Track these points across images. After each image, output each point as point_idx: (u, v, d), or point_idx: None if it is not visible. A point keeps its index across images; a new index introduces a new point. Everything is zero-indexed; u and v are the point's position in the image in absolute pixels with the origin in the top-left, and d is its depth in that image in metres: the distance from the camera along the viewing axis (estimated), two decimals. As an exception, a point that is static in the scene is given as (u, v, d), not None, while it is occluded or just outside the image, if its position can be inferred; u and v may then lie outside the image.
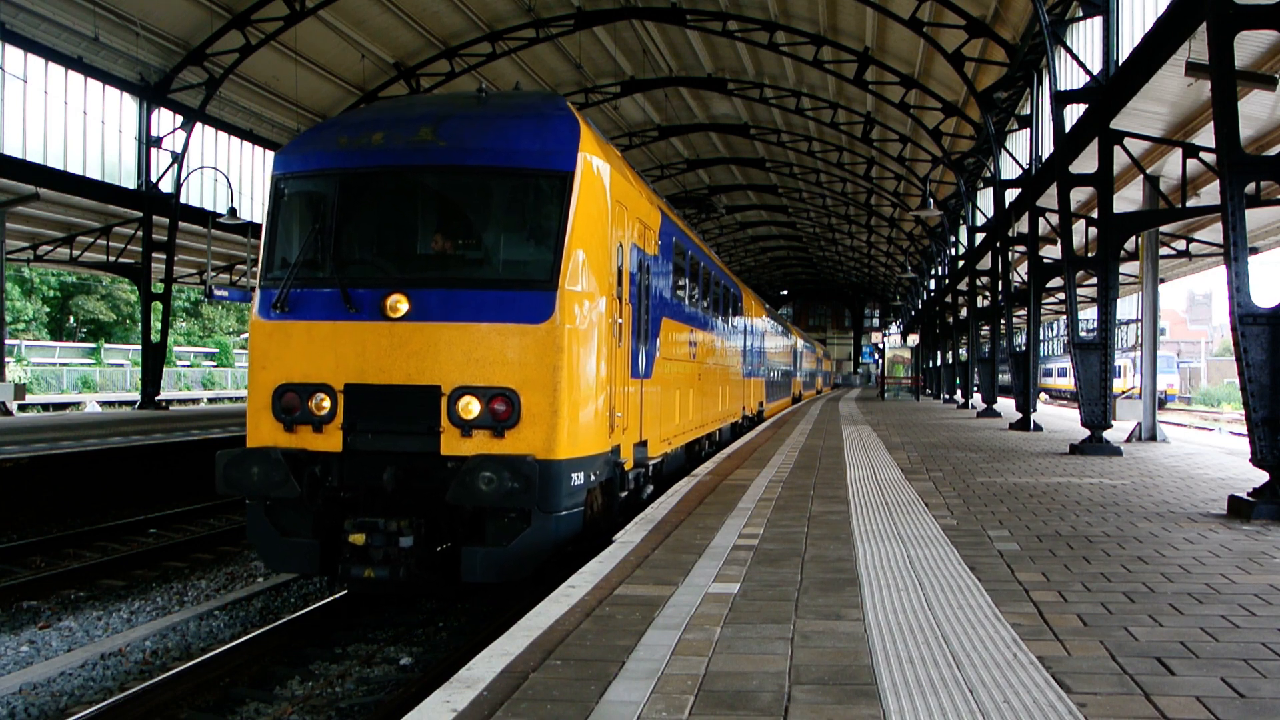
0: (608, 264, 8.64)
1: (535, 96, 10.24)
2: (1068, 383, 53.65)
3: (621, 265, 9.23)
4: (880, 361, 55.28)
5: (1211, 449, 17.70)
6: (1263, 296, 8.73)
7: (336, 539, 7.93)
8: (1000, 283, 26.51)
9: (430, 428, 7.75)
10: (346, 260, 8.40)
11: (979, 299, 32.66)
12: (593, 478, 8.22)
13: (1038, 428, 21.45)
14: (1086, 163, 16.05)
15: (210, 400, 53.39)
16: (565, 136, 8.35)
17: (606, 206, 8.66)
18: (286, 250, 8.52)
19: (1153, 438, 18.50)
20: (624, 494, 9.64)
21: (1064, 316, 25.10)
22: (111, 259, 31.13)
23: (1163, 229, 20.66)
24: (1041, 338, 36.62)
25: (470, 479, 7.35)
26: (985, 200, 32.51)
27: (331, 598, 9.61)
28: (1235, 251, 8.97)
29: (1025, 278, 26.22)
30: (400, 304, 7.89)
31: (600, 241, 8.50)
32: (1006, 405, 32.12)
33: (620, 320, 9.10)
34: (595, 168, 8.51)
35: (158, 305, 29.88)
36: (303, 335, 8.15)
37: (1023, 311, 30.47)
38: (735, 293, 20.94)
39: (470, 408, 7.71)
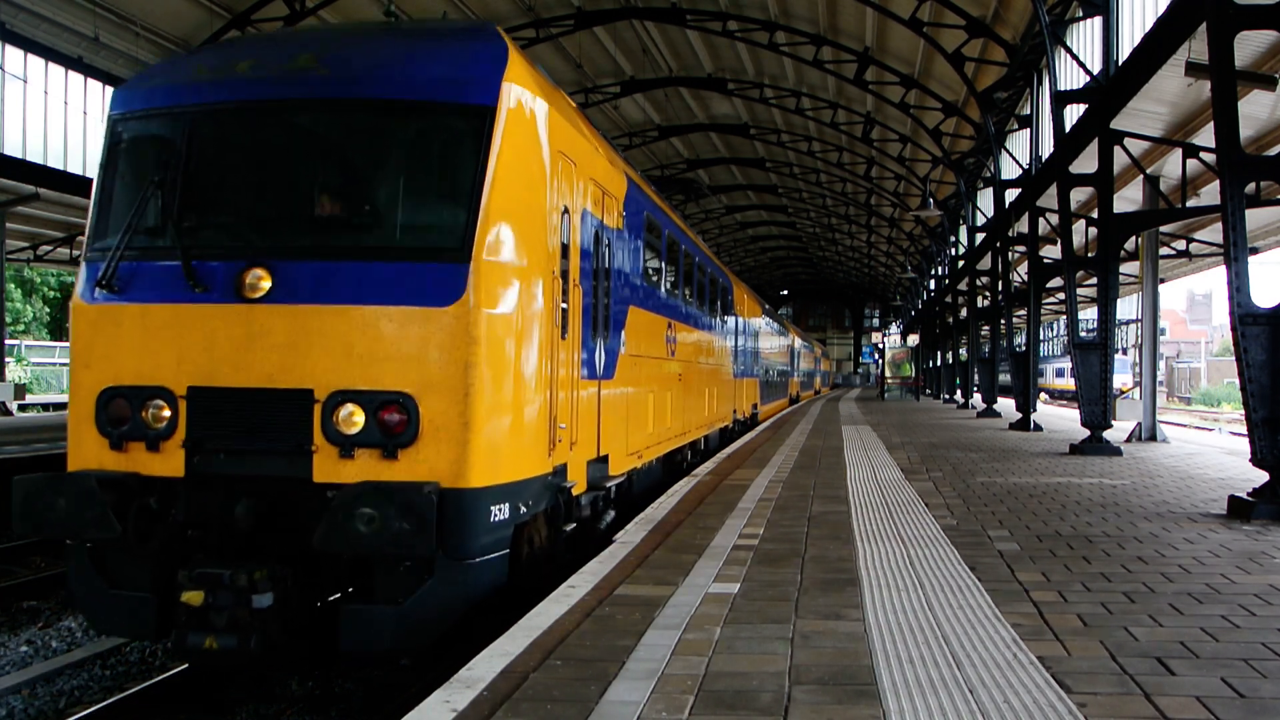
0: (545, 232, 6.81)
1: (459, 23, 8.45)
2: (1064, 383, 53.71)
3: (569, 237, 7.38)
4: (880, 361, 55.29)
5: (1211, 449, 17.71)
6: (1263, 296, 8.73)
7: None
8: (1000, 283, 26.52)
9: (299, 446, 5.93)
10: (193, 224, 6.47)
11: (979, 299, 32.67)
12: (523, 509, 6.36)
13: (1038, 428, 21.45)
14: (1086, 163, 16.05)
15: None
16: (485, 62, 6.47)
17: (544, 157, 6.87)
18: (120, 212, 6.56)
19: (1153, 438, 18.50)
20: (571, 526, 7.66)
21: (1064, 316, 25.11)
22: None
23: (1163, 229, 20.66)
24: (1041, 338, 36.64)
25: (343, 518, 5.52)
26: (985, 200, 32.52)
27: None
28: (1235, 251, 8.97)
29: (1025, 278, 26.24)
30: (261, 281, 6.08)
31: (534, 202, 6.68)
32: (1006, 405, 32.12)
33: (567, 306, 7.31)
34: (527, 105, 6.65)
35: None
36: (135, 323, 6.30)
37: (1023, 311, 30.49)
38: (724, 284, 19.20)
39: (353, 419, 5.90)
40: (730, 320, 19.82)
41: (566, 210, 7.37)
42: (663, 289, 12.05)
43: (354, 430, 5.91)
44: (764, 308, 28.41)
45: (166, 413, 6.16)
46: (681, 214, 48.86)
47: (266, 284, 6.09)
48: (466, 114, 6.33)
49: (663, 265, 12.09)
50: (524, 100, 6.62)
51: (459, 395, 5.90)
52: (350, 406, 5.93)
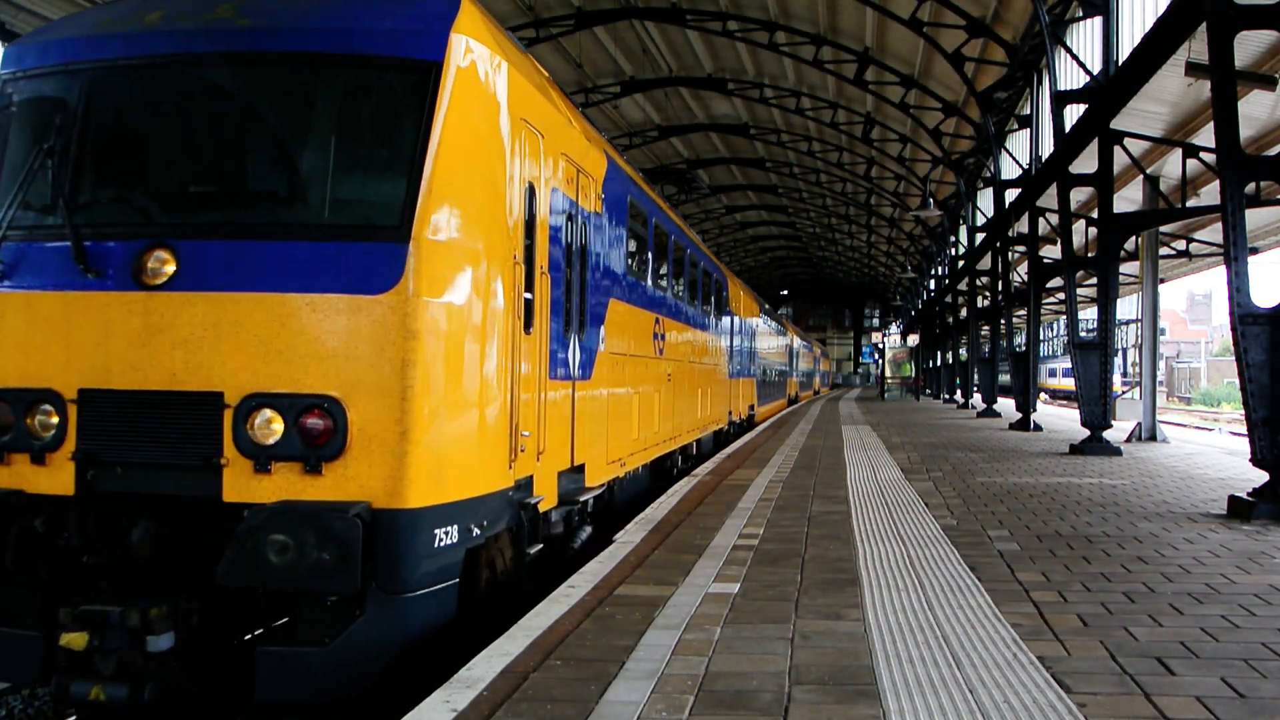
0: (504, 211, 5.95)
1: None
2: (1057, 382, 53.71)
3: (535, 217, 6.51)
4: (880, 361, 55.30)
5: (1211, 449, 17.71)
6: (1263, 296, 8.75)
7: None
8: (1000, 283, 26.52)
9: (207, 459, 5.11)
10: (87, 198, 5.62)
11: (979, 299, 32.68)
12: (476, 531, 5.57)
13: (1038, 428, 21.46)
14: (1086, 163, 16.05)
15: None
16: (431, 11, 5.66)
17: (502, 123, 5.99)
18: (4, 186, 5.72)
19: (1153, 438, 18.51)
20: (537, 548, 6.70)
21: (1064, 316, 25.12)
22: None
23: (1163, 229, 20.67)
24: (1041, 338, 36.65)
25: (251, 547, 4.72)
26: (985, 200, 32.52)
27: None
28: (1235, 251, 8.97)
29: (1025, 278, 26.24)
30: (164, 264, 5.25)
31: (489, 175, 5.84)
32: (1006, 405, 32.13)
33: (532, 296, 6.44)
34: (482, 63, 5.78)
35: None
36: (18, 314, 5.50)
37: (1023, 311, 30.49)
38: (719, 279, 18.20)
39: (270, 427, 5.08)
40: (725, 317, 19.00)
41: (532, 187, 6.47)
42: (649, 282, 11.14)
43: (271, 440, 5.08)
44: (761, 305, 27.75)
45: (54, 419, 5.32)
46: (680, 213, 48.80)
47: (170, 268, 5.25)
48: (407, 69, 5.47)
49: (649, 256, 11.22)
50: (478, 56, 5.72)
51: (394, 399, 5.07)
52: (267, 412, 5.09)
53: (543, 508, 6.79)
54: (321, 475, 5.06)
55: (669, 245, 12.61)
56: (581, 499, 7.83)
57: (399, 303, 5.15)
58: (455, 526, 5.35)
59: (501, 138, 6.00)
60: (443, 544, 5.25)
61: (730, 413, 19.91)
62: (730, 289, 19.92)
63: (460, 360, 5.50)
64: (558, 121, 7.31)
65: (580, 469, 8.05)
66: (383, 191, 5.48)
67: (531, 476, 6.57)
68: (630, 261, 10.07)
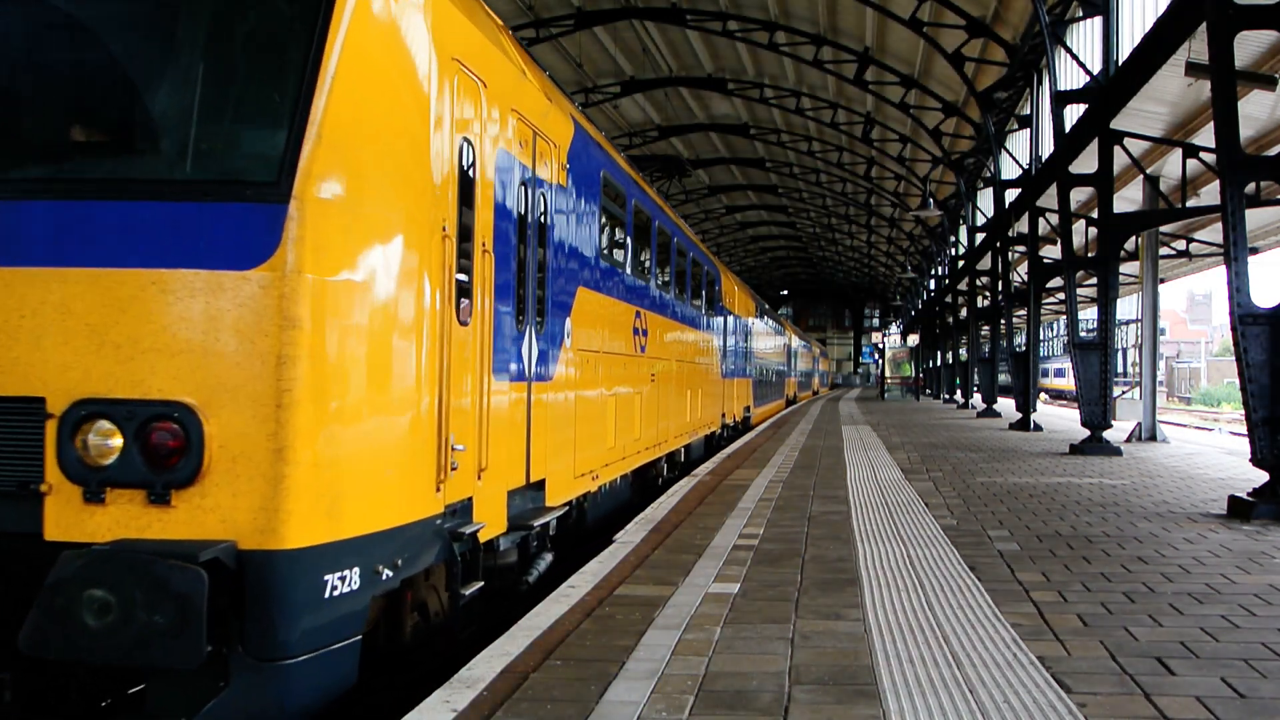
0: (426, 168, 4.92)
1: None
2: (1063, 383, 53.75)
3: (473, 181, 5.50)
4: (880, 361, 55.32)
5: (1211, 449, 17.71)
6: (1263, 296, 8.75)
7: None
8: (1000, 283, 26.53)
9: (23, 484, 4.04)
10: None
11: (979, 299, 32.69)
12: (387, 573, 4.50)
13: (1038, 428, 21.47)
14: (1086, 163, 16.05)
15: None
16: None
17: (426, 61, 4.92)
18: None
19: (1153, 438, 18.51)
20: (475, 586, 5.48)
21: (1064, 316, 25.13)
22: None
23: (1163, 229, 20.68)
24: (1041, 338, 36.66)
25: (62, 604, 3.68)
26: (985, 200, 32.53)
27: None
28: (1235, 251, 8.97)
29: (1025, 278, 26.24)
30: None
31: (406, 120, 4.77)
32: (1006, 405, 32.14)
33: (469, 278, 5.43)
34: None
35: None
36: None
37: (1023, 311, 30.49)
38: (711, 273, 17.08)
39: (106, 443, 4.01)
40: (718, 313, 17.98)
41: (469, 145, 5.45)
42: (629, 271, 9.98)
43: (106, 460, 3.98)
44: (757, 302, 26.91)
45: None
46: (680, 213, 48.41)
47: None
48: None
49: (629, 242, 10.07)
50: None
51: (266, 406, 3.98)
52: (102, 423, 3.99)
53: (486, 536, 5.71)
54: (171, 506, 3.95)
55: (652, 231, 11.49)
56: (540, 521, 6.57)
57: (274, 280, 4.03)
58: (356, 569, 4.25)
59: (423, 77, 4.88)
60: (337, 592, 4.14)
61: (724, 415, 19.06)
62: (724, 283, 18.96)
63: (360, 356, 4.37)
64: (506, 71, 6.13)
65: (540, 485, 6.90)
66: (257, 137, 4.34)
67: (470, 499, 5.45)
68: (604, 246, 8.94)
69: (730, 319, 19.82)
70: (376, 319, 4.50)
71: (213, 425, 3.99)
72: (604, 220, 8.96)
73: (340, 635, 4.23)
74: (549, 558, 7.20)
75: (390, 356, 4.60)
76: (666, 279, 12.72)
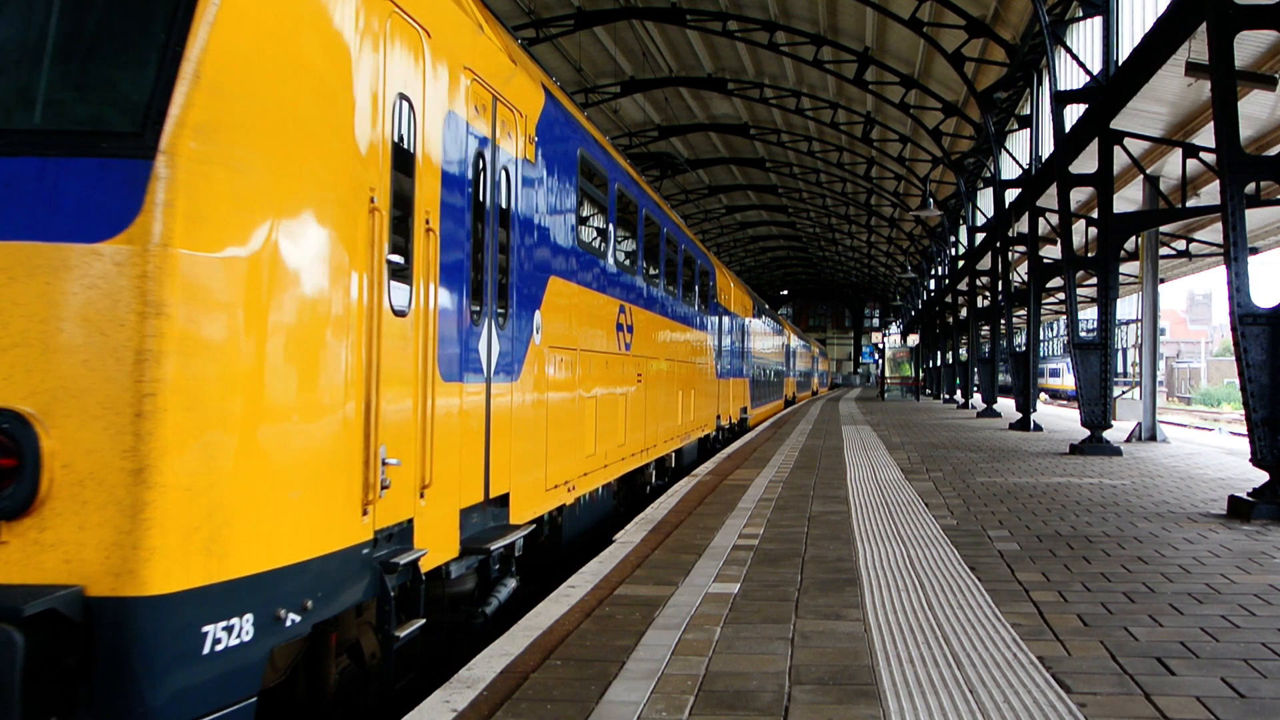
0: (348, 125, 4.12)
1: None
2: (1057, 383, 53.83)
3: (413, 147, 4.75)
4: (880, 361, 55.34)
5: (1211, 449, 17.71)
6: (1263, 296, 8.75)
7: None
8: (1000, 283, 26.54)
9: None
10: None
11: (979, 299, 32.69)
12: (292, 618, 3.75)
13: (1038, 428, 21.47)
14: (1086, 163, 16.06)
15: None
16: None
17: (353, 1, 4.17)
18: None
19: (1153, 438, 18.51)
20: (413, 626, 4.59)
21: (1064, 316, 25.13)
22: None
23: (1163, 229, 20.69)
24: (1041, 338, 36.68)
25: None
26: (985, 200, 32.54)
27: None
28: (1235, 251, 8.97)
29: (1025, 278, 26.25)
30: None
31: (317, 64, 3.98)
32: (1006, 405, 32.15)
33: (407, 260, 4.66)
34: None
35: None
36: None
37: (1023, 311, 30.51)
38: (704, 266, 16.24)
39: None
40: (713, 311, 17.28)
41: (407, 104, 4.66)
42: (611, 261, 9.19)
43: None
44: (755, 300, 26.30)
45: None
46: (680, 213, 48.36)
47: None
48: None
49: (612, 230, 9.26)
50: None
51: (123, 416, 3.24)
52: None
53: (431, 563, 4.93)
54: (1, 542, 3.19)
55: (639, 219, 10.62)
56: (500, 544, 5.73)
57: (134, 256, 3.27)
58: (249, 615, 3.50)
59: (343, 14, 4.11)
60: (222, 645, 3.41)
61: (720, 416, 18.39)
62: (719, 279, 18.18)
63: (250, 352, 3.56)
64: (457, 21, 5.35)
65: (503, 501, 6.14)
66: (117, 76, 3.53)
67: (410, 522, 4.70)
68: (583, 233, 8.18)
69: (726, 316, 19.18)
70: (273, 306, 3.65)
71: (53, 439, 3.20)
72: (582, 205, 8.14)
73: (228, 698, 3.45)
74: (512, 584, 6.29)
75: (291, 352, 3.76)
76: (655, 272, 11.87)
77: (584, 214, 8.31)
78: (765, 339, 28.79)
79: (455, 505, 5.29)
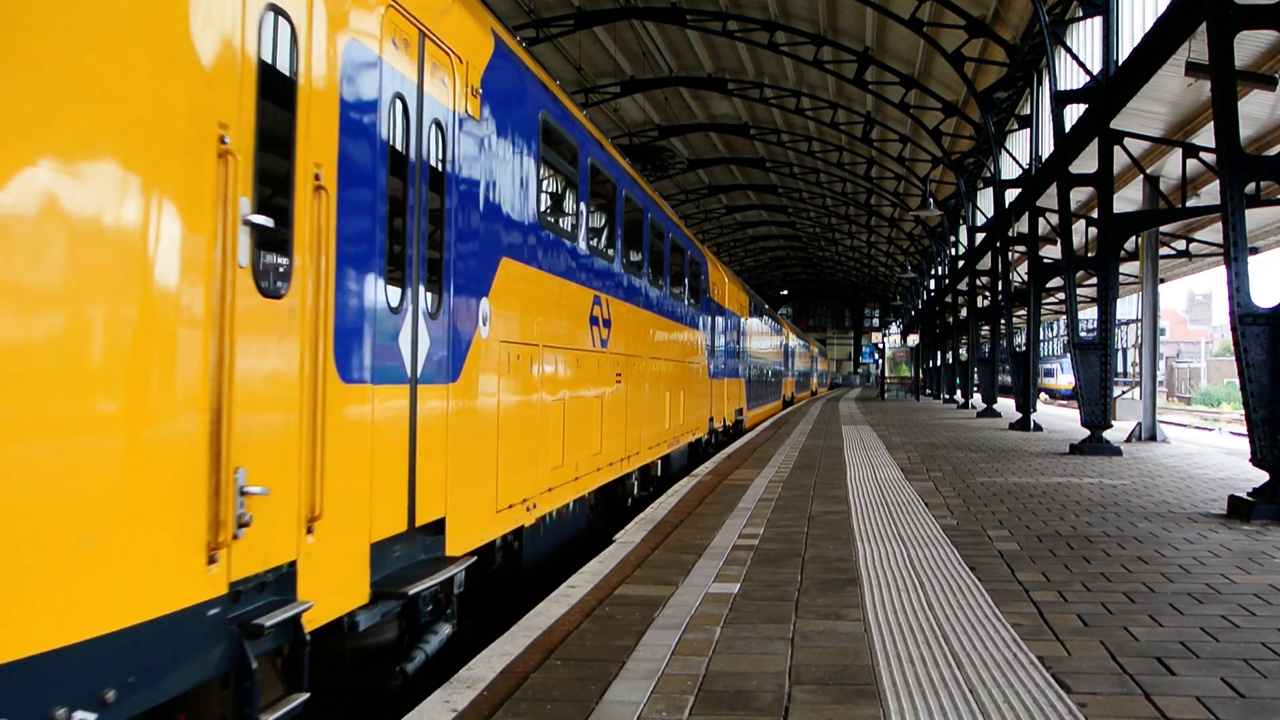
0: (179, 27, 3.17)
1: None
2: (1051, 382, 53.88)
3: (296, 77, 3.81)
4: (880, 361, 55.36)
5: (1211, 449, 17.71)
6: (1263, 296, 8.75)
7: None
8: (1000, 283, 26.54)
9: None
10: None
11: (979, 299, 32.69)
12: (76, 718, 2.73)
13: (1038, 428, 21.47)
14: (1086, 163, 16.06)
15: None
16: None
17: None
18: None
19: (1153, 438, 18.51)
20: (293, 703, 3.65)
21: (1064, 316, 25.13)
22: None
23: (1163, 229, 20.69)
24: (1041, 338, 36.68)
25: None
26: (985, 200, 32.54)
27: None
28: (1235, 251, 8.97)
29: (1025, 278, 26.25)
30: None
31: None
32: (1006, 405, 32.15)
33: (287, 226, 3.76)
34: None
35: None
36: None
37: (1023, 311, 30.51)
38: (695, 258, 15.25)
39: None
40: (705, 306, 16.38)
41: (281, 18, 3.68)
42: (583, 244, 8.22)
43: None
44: (751, 297, 25.35)
45: None
46: (680, 213, 48.20)
47: None
48: None
49: (584, 209, 8.29)
50: None
51: None
52: None
53: (327, 615, 3.99)
54: None
55: (617, 200, 9.60)
56: (428, 583, 4.67)
57: None
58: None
59: None
60: None
61: (713, 418, 17.37)
62: (711, 273, 17.16)
63: (13, 347, 2.63)
64: None
65: (437, 527, 5.16)
66: None
67: (292, 565, 3.75)
68: (546, 209, 7.19)
69: (719, 312, 18.20)
70: (47, 281, 2.70)
71: None
72: (546, 177, 7.20)
73: None
74: (446, 630, 5.26)
75: (82, 346, 2.82)
76: (638, 261, 10.84)
77: (548, 189, 7.38)
78: (762, 337, 28.24)
79: (364, 539, 4.28)
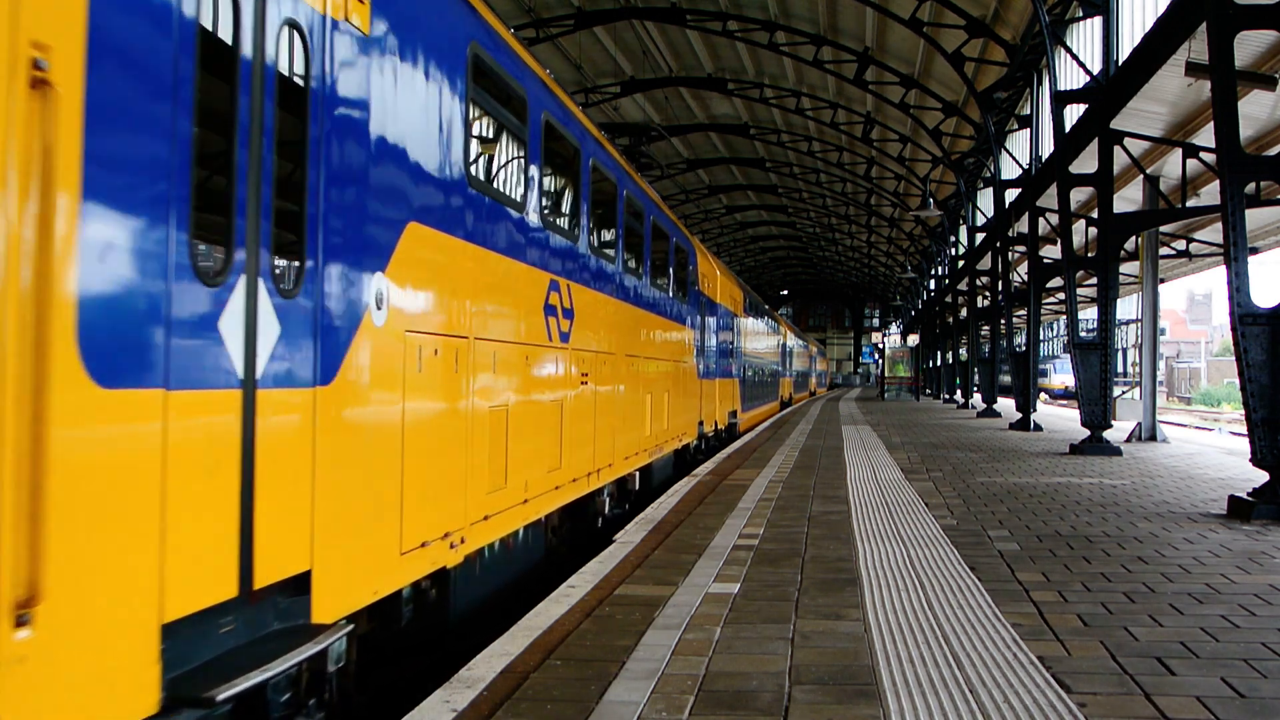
0: None
1: None
2: (1044, 382, 53.96)
3: None
4: (880, 361, 55.39)
5: (1211, 449, 17.71)
6: (1263, 296, 8.75)
7: None
8: (1000, 283, 26.54)
9: None
10: None
11: (979, 299, 32.70)
12: None
13: (1037, 428, 21.47)
14: (1086, 163, 16.06)
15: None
16: None
17: None
18: None
19: (1153, 438, 18.51)
20: None
21: (1064, 316, 25.13)
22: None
23: (1163, 229, 20.69)
24: (1041, 338, 36.69)
25: None
26: (985, 200, 32.54)
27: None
28: (1235, 251, 8.97)
29: (1025, 278, 26.25)
30: None
31: None
32: (1006, 405, 32.16)
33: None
34: None
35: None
36: None
37: (1023, 311, 30.50)
38: (681, 245, 13.92)
39: None
40: (694, 299, 15.09)
41: None
42: (534, 215, 6.78)
43: None
44: (746, 292, 24.07)
45: None
46: (676, 210, 48.04)
47: None
48: None
49: (535, 173, 6.83)
50: None
51: None
52: None
53: None
54: None
55: (583, 168, 8.24)
56: (275, 671, 3.43)
57: None
58: None
59: None
60: None
61: (701, 422, 16.06)
62: (701, 263, 15.80)
63: None
64: None
65: (299, 584, 3.83)
66: None
67: None
68: (478, 167, 5.93)
69: (710, 307, 16.98)
70: None
71: None
72: (482, 129, 6.01)
73: None
74: None
75: None
76: (610, 242, 9.48)
77: (485, 144, 6.10)
78: (758, 335, 27.21)
79: (146, 619, 3.00)
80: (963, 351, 37.86)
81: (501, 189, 6.47)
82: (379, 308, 4.47)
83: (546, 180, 7.36)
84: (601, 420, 8.95)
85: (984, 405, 29.10)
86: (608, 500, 9.78)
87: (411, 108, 4.86)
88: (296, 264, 3.88)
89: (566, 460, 7.75)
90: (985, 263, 29.96)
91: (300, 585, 3.86)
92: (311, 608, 3.89)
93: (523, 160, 6.78)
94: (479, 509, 5.79)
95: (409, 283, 4.82)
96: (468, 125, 5.58)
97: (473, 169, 5.65)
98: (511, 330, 6.42)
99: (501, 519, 6.19)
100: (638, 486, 11.15)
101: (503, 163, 6.65)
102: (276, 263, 3.71)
